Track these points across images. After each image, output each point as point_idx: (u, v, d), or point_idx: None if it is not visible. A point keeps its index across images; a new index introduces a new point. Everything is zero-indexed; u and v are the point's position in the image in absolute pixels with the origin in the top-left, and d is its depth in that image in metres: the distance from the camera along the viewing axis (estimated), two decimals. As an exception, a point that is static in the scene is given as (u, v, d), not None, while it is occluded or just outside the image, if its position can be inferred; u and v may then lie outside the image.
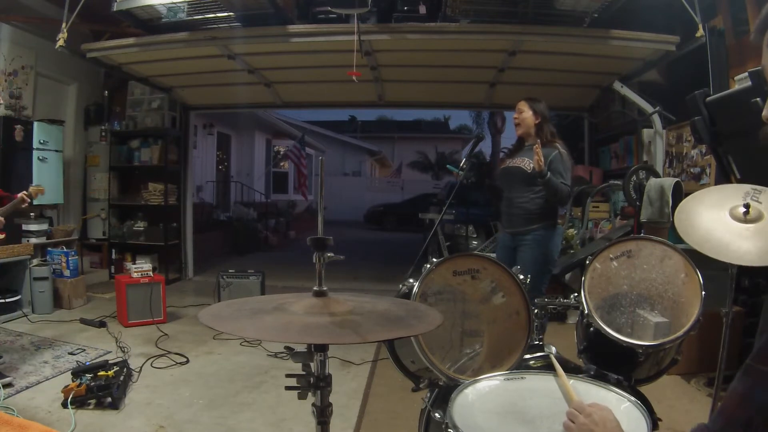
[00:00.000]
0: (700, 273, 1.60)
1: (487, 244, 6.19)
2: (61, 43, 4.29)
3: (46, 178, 5.29)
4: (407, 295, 1.60)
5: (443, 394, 1.52)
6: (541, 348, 1.67)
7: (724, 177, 3.00)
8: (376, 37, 4.56)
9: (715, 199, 1.74)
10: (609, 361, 1.58)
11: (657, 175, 4.26)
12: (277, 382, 3.24)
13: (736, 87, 3.41)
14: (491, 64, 5.29)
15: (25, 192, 3.17)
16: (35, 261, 4.89)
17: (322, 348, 1.04)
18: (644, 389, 1.61)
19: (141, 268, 4.56)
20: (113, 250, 6.45)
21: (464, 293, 1.58)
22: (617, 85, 5.20)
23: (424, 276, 1.55)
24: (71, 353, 3.63)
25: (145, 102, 6.72)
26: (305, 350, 1.04)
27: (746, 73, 3.23)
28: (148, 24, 4.70)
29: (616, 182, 5.07)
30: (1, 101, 4.92)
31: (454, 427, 1.10)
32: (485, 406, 1.22)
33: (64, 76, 6.10)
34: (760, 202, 1.64)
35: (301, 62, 5.31)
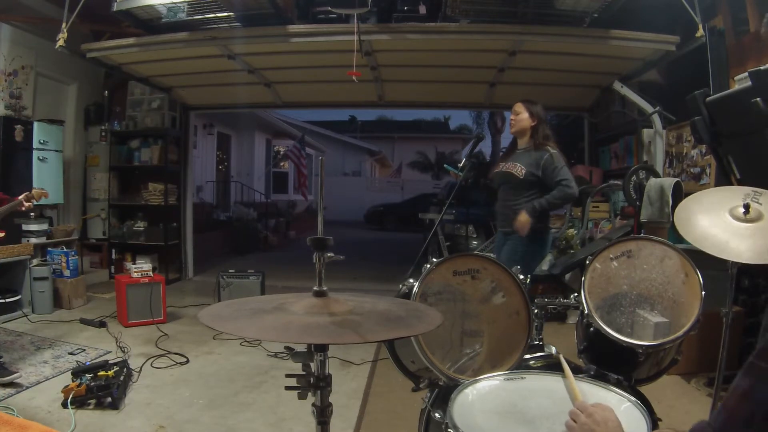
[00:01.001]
0: (700, 273, 1.60)
1: (487, 244, 6.19)
2: (61, 43, 4.29)
3: (46, 178, 5.30)
4: (407, 295, 1.60)
5: (443, 394, 1.52)
6: (541, 348, 1.67)
7: (724, 177, 2.99)
8: (376, 37, 4.56)
9: (714, 200, 1.74)
10: (609, 361, 1.58)
11: (657, 175, 4.26)
12: (277, 382, 3.24)
13: (736, 87, 3.41)
14: (491, 64, 5.29)
15: (25, 194, 3.15)
16: (35, 261, 4.89)
17: (322, 348, 1.04)
18: (644, 389, 1.61)
19: (141, 268, 4.56)
20: (113, 250, 6.45)
21: (464, 293, 1.58)
22: (617, 85, 5.20)
23: (424, 276, 1.55)
24: (71, 353, 3.63)
25: (145, 102, 6.72)
26: (305, 350, 1.04)
27: (746, 73, 3.23)
28: (148, 24, 4.70)
29: (616, 182, 5.06)
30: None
31: (454, 427, 1.10)
32: (485, 406, 1.22)
33: (64, 76, 6.10)
34: (761, 204, 1.64)
35: (301, 62, 5.31)
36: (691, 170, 4.39)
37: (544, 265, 4.66)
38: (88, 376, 2.89)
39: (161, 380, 3.25)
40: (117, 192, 6.68)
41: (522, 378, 1.36)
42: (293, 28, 4.55)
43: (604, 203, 5.52)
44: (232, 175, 13.21)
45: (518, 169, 3.16)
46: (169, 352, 3.73)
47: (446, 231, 6.79)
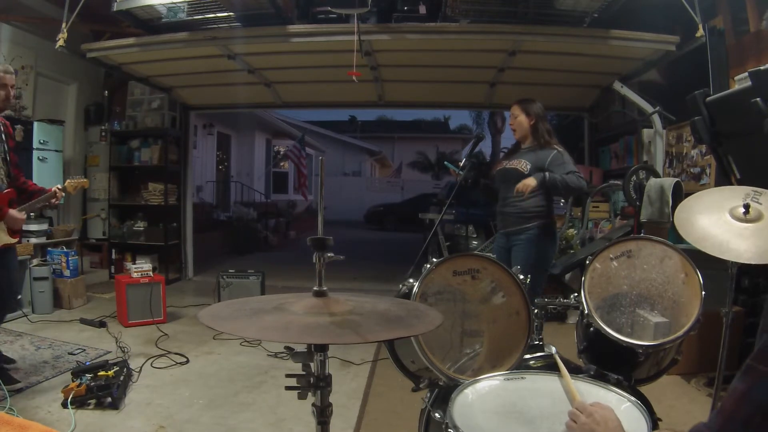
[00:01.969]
0: (700, 273, 1.60)
1: (487, 244, 6.19)
2: (61, 43, 4.29)
3: (46, 179, 5.28)
4: (407, 295, 1.60)
5: (443, 394, 1.52)
6: (541, 348, 1.67)
7: (724, 177, 2.99)
8: (376, 37, 4.56)
9: (715, 200, 1.74)
10: (609, 361, 1.58)
11: (657, 175, 4.26)
12: (277, 382, 3.24)
13: (736, 87, 3.41)
14: (491, 64, 5.29)
15: (58, 186, 3.08)
16: (35, 261, 4.89)
17: (322, 348, 1.04)
18: (644, 389, 1.61)
19: (141, 268, 4.56)
20: (113, 250, 6.45)
21: (464, 293, 1.58)
22: (617, 85, 5.20)
23: (424, 276, 1.55)
24: (71, 353, 3.63)
25: (145, 102, 6.72)
26: (305, 350, 1.04)
27: (746, 73, 3.22)
28: (148, 24, 4.70)
29: (616, 182, 5.07)
30: None
31: (454, 427, 1.10)
32: (485, 406, 1.23)
33: (64, 76, 6.10)
34: (761, 204, 1.64)
35: (301, 62, 5.31)
36: (691, 170, 4.39)
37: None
38: (88, 376, 2.89)
39: (161, 380, 3.25)
40: (117, 192, 6.68)
41: (522, 378, 1.36)
42: (293, 28, 4.55)
43: (604, 203, 5.52)
44: (232, 175, 13.21)
45: (523, 164, 3.14)
46: (169, 352, 3.73)
47: (446, 231, 6.79)
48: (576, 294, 1.71)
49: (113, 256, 6.41)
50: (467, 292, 1.58)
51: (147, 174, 6.62)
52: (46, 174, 5.40)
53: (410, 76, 5.84)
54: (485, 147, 18.82)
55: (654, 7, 4.44)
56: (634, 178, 4.26)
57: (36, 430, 1.22)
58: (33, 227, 5.17)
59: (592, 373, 1.50)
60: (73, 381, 2.85)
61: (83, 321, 4.45)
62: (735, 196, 1.69)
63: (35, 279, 4.73)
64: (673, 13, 4.18)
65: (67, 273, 5.03)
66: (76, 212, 6.50)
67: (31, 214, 4.87)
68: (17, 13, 5.30)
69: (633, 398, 1.20)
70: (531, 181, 3.00)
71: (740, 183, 2.86)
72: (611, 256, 1.72)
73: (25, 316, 4.54)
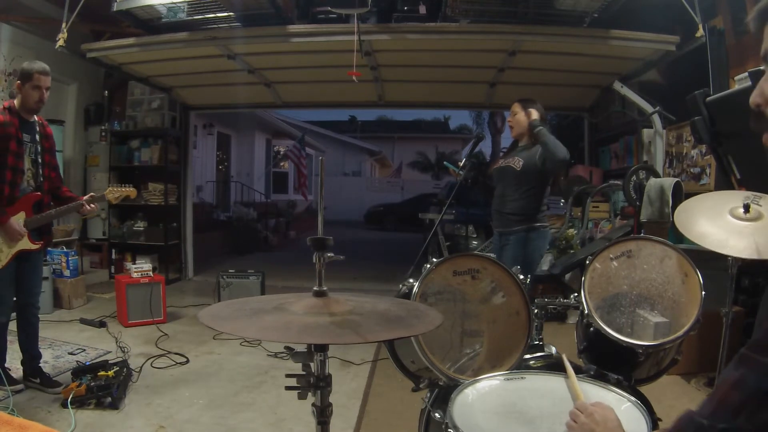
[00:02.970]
0: (700, 273, 1.60)
1: (487, 244, 6.18)
2: (61, 43, 4.29)
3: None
4: (407, 295, 1.60)
5: (443, 394, 1.52)
6: (541, 348, 1.67)
7: (724, 177, 3.00)
8: (376, 37, 4.56)
9: (715, 203, 1.74)
10: (609, 361, 1.58)
11: (657, 175, 4.26)
12: (277, 382, 3.24)
13: (736, 87, 3.41)
14: (491, 64, 5.29)
15: (90, 195, 2.99)
16: (35, 261, 4.88)
17: (322, 348, 1.04)
18: (644, 389, 1.61)
19: (141, 268, 4.56)
20: (113, 250, 6.45)
21: (464, 293, 1.58)
22: (617, 85, 5.20)
23: (424, 276, 1.55)
24: (71, 353, 3.63)
25: (145, 102, 6.72)
26: (305, 350, 1.04)
27: (746, 73, 3.23)
28: (148, 24, 4.70)
29: (616, 182, 5.07)
30: None
31: (454, 427, 1.10)
32: (485, 406, 1.22)
33: (64, 76, 6.09)
34: (761, 206, 1.65)
35: (301, 62, 5.31)
36: (691, 170, 4.39)
37: (544, 265, 4.66)
38: (88, 376, 2.89)
39: (161, 380, 3.25)
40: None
41: (522, 378, 1.36)
42: (293, 28, 4.55)
43: (604, 203, 5.52)
44: (232, 175, 13.21)
45: (516, 162, 3.16)
46: (169, 352, 3.73)
47: (446, 231, 6.79)
48: (576, 294, 1.71)
49: (113, 256, 6.41)
50: (467, 292, 1.58)
51: (147, 174, 6.62)
52: (46, 174, 5.40)
53: (410, 76, 5.84)
54: (485, 147, 18.84)
55: (654, 7, 4.43)
56: (634, 178, 4.26)
57: (36, 430, 1.22)
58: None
59: (592, 373, 1.50)
60: (73, 381, 2.85)
61: (83, 321, 4.44)
62: (735, 199, 1.69)
63: (35, 279, 4.73)
64: (673, 13, 4.18)
65: (67, 273, 5.03)
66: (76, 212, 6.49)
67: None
68: (17, 13, 5.30)
69: (633, 398, 1.20)
70: (535, 112, 3.07)
71: (740, 183, 2.86)
72: (611, 256, 1.72)
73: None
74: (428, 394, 1.63)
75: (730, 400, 0.74)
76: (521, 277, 1.63)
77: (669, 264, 1.66)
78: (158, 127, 6.63)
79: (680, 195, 3.77)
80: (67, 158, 6.14)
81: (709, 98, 2.71)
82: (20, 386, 2.95)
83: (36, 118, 2.93)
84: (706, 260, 1.62)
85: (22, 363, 3.04)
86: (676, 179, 3.94)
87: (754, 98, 0.84)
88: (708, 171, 4.15)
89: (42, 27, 5.42)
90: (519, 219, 3.15)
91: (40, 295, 4.62)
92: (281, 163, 16.52)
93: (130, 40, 4.89)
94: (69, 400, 2.70)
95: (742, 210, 1.64)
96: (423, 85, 6.17)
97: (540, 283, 4.55)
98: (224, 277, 4.84)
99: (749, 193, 1.69)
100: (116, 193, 3.10)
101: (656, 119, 4.92)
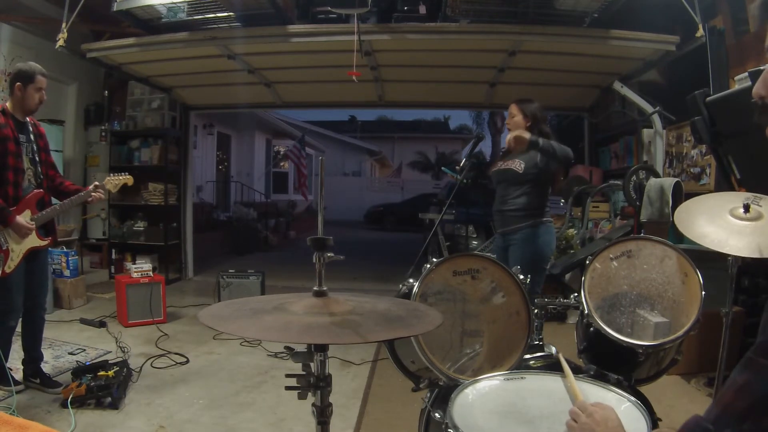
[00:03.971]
0: (700, 273, 1.60)
1: (487, 244, 6.19)
2: (61, 43, 4.29)
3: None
4: (407, 295, 1.60)
5: (443, 394, 1.52)
6: (541, 348, 1.67)
7: (724, 177, 3.00)
8: (376, 37, 4.56)
9: (715, 203, 1.74)
10: (609, 361, 1.58)
11: (657, 175, 4.26)
12: (277, 382, 3.24)
13: (736, 87, 3.41)
14: (491, 64, 5.29)
15: (95, 184, 3.03)
16: (35, 261, 4.88)
17: (322, 348, 1.04)
18: (644, 389, 1.61)
19: (141, 268, 4.56)
20: (113, 250, 6.45)
21: (464, 293, 1.58)
22: (617, 85, 5.20)
23: (424, 276, 1.55)
24: (71, 353, 3.63)
25: (145, 102, 6.72)
26: (305, 350, 1.04)
27: (746, 73, 3.23)
28: (148, 24, 4.70)
29: (616, 182, 5.07)
30: None
31: (454, 427, 1.10)
32: (485, 406, 1.22)
33: (64, 76, 6.10)
34: (761, 206, 1.65)
35: (301, 62, 5.31)
36: (691, 170, 4.39)
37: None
38: (88, 376, 2.89)
39: (161, 380, 3.25)
40: (117, 192, 6.65)
41: (522, 378, 1.36)
42: (293, 28, 4.56)
43: (604, 203, 5.52)
44: (232, 175, 13.21)
45: (517, 164, 3.15)
46: (169, 352, 3.73)
47: (446, 231, 6.79)
48: (576, 294, 1.71)
49: (113, 256, 6.41)
50: (467, 292, 1.58)
51: (147, 174, 6.61)
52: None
53: (410, 76, 5.84)
54: (485, 147, 18.85)
55: (654, 7, 4.43)
56: (634, 178, 4.26)
57: (36, 430, 1.22)
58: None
59: (592, 373, 1.50)
60: (73, 381, 2.85)
61: (83, 321, 4.44)
62: (736, 200, 1.69)
63: (35, 279, 4.73)
64: (673, 13, 4.18)
65: (67, 273, 5.03)
66: (76, 212, 6.49)
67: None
68: (17, 13, 5.30)
69: (633, 398, 1.20)
70: (525, 134, 3.00)
71: (740, 183, 2.86)
72: (611, 256, 1.72)
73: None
74: (428, 394, 1.63)
75: (735, 406, 0.74)
76: (521, 277, 1.63)
77: (669, 264, 1.66)
78: (158, 127, 6.63)
79: (680, 195, 3.77)
80: (67, 158, 6.14)
81: (709, 98, 2.71)
82: (21, 386, 2.95)
83: (28, 118, 2.94)
84: (706, 260, 1.62)
85: (23, 363, 3.04)
86: (676, 179, 3.94)
87: (757, 90, 0.84)
88: (708, 171, 4.15)
89: (42, 27, 5.42)
90: (523, 215, 3.13)
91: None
92: (281, 163, 16.54)
93: (130, 40, 4.89)
94: (69, 400, 2.70)
95: (742, 209, 1.64)
96: (423, 85, 6.17)
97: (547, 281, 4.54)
98: (224, 277, 4.84)
99: (750, 195, 1.69)
100: (115, 180, 3.14)
101: (656, 119, 4.92)
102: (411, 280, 1.69)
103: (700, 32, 3.95)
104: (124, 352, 3.69)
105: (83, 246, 6.31)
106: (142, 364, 3.45)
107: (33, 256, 2.90)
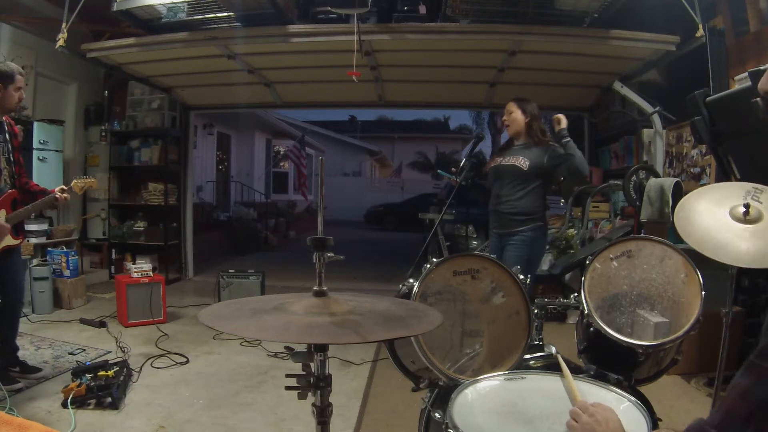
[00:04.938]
0: (700, 273, 1.60)
1: (487, 244, 6.18)
2: (61, 43, 4.29)
3: (45, 179, 5.29)
4: (407, 295, 1.60)
5: (443, 394, 1.52)
6: (541, 348, 1.67)
7: (724, 177, 2.99)
8: (376, 37, 4.56)
9: (715, 197, 1.73)
10: (609, 361, 1.58)
11: (657, 175, 4.26)
12: (277, 382, 3.24)
13: (736, 87, 3.41)
14: (491, 64, 5.29)
15: (60, 187, 3.05)
16: (35, 261, 4.89)
17: (322, 348, 1.04)
18: (644, 389, 1.61)
19: (141, 268, 4.56)
20: (113, 250, 6.45)
21: (464, 293, 1.58)
22: (617, 85, 5.20)
23: (424, 276, 1.54)
24: (71, 353, 3.63)
25: (145, 102, 6.72)
26: (305, 350, 1.04)
27: (746, 73, 3.23)
28: (148, 24, 4.70)
29: (616, 182, 5.06)
30: None
31: (454, 427, 1.10)
32: (485, 406, 1.22)
33: (64, 76, 6.10)
34: (761, 202, 1.64)
35: (301, 62, 5.31)
36: (691, 170, 4.39)
37: (544, 265, 4.66)
38: (88, 376, 2.89)
39: (161, 380, 3.25)
40: (117, 192, 6.68)
41: (522, 378, 1.36)
42: (293, 28, 4.55)
43: (604, 203, 5.52)
44: (232, 175, 13.21)
45: (521, 161, 3.14)
46: (169, 352, 3.73)
47: (446, 231, 6.78)
48: (576, 294, 1.71)
49: (113, 256, 6.42)
50: (467, 292, 1.58)
51: (147, 174, 6.62)
52: (45, 174, 5.40)
53: (410, 76, 5.84)
54: (485, 147, 18.83)
55: (654, 7, 4.43)
56: (634, 178, 4.25)
57: (36, 430, 1.22)
58: (33, 227, 5.17)
59: (592, 373, 1.50)
60: (73, 381, 2.85)
61: (83, 321, 4.44)
62: (735, 193, 1.68)
63: (35, 279, 4.73)
64: (673, 13, 4.18)
65: (67, 273, 5.03)
66: (76, 212, 6.50)
67: (32, 215, 4.86)
68: (17, 13, 5.30)
69: (633, 398, 1.20)
70: (564, 118, 3.06)
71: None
72: (611, 256, 1.72)
73: (25, 316, 4.52)
74: (428, 394, 1.63)
75: (738, 410, 0.74)
76: (521, 277, 1.63)
77: (669, 264, 1.66)
78: (158, 127, 6.64)
79: (680, 195, 3.76)
80: (67, 158, 6.14)
81: (709, 98, 2.71)
82: (19, 385, 2.95)
83: (3, 117, 2.94)
84: (706, 260, 1.62)
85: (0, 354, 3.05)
86: (676, 179, 3.93)
87: (762, 85, 0.83)
88: (708, 171, 4.15)
89: (42, 27, 5.42)
90: (523, 219, 3.12)
91: (37, 295, 4.65)
92: (281, 163, 16.53)
93: (130, 40, 4.88)
94: (69, 400, 2.70)
95: (742, 210, 1.63)
96: (423, 85, 6.17)
97: (540, 283, 4.55)
98: (224, 277, 4.84)
99: (749, 186, 1.68)
100: (81, 183, 3.13)
101: (656, 119, 4.92)
102: (411, 280, 1.69)
103: (700, 32, 3.95)
104: (124, 352, 3.69)
105: (83, 246, 6.31)
106: (142, 364, 3.45)
107: (7, 254, 2.92)
